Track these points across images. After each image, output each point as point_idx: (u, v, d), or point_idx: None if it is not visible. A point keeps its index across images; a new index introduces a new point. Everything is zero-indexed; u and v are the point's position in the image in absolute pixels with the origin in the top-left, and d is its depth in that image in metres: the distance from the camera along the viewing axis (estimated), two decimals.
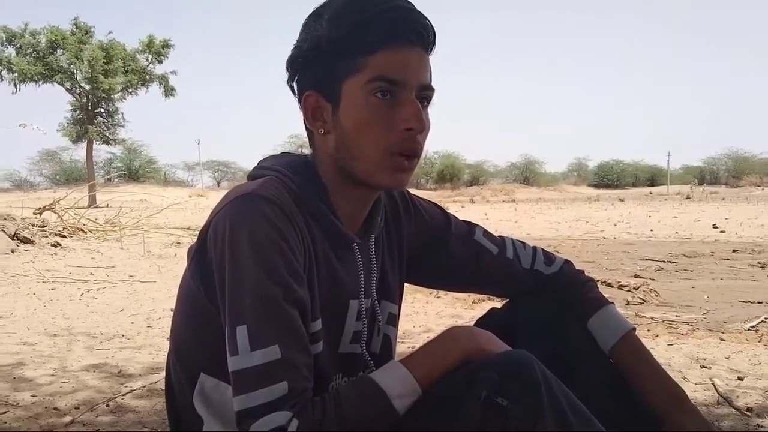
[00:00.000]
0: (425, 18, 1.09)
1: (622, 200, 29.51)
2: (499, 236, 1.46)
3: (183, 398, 1.18)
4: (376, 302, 1.26)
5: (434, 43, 1.11)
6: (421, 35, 1.08)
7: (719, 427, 2.02)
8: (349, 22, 1.06)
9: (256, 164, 1.21)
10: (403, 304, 1.38)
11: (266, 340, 0.96)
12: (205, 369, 1.13)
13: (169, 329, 1.25)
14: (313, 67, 1.11)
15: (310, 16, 1.12)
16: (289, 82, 1.16)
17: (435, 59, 1.12)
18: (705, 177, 60.84)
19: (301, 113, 1.15)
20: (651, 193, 44.62)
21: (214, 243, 1.03)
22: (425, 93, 1.10)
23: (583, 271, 1.47)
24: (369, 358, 1.24)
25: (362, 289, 1.21)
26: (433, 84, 1.12)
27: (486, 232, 1.44)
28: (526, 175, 60.63)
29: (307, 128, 1.16)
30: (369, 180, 1.11)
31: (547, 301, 1.38)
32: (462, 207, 23.41)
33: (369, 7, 1.06)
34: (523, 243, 1.47)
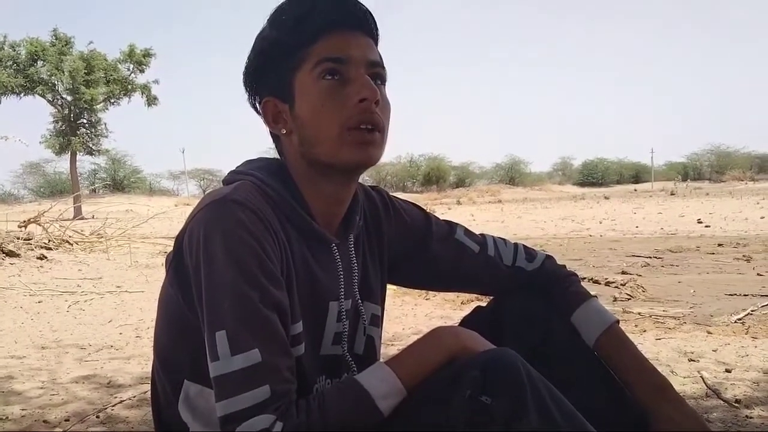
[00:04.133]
0: (362, 5, 1.12)
1: (607, 198, 29.73)
2: (480, 234, 1.46)
3: (168, 406, 1.17)
4: (360, 302, 1.26)
5: (376, 30, 1.14)
6: (359, 19, 1.11)
7: (708, 419, 2.04)
8: (287, 19, 1.10)
9: (230, 170, 1.21)
10: (391, 307, 1.38)
11: (246, 344, 0.96)
12: (189, 376, 1.12)
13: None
14: (265, 73, 1.14)
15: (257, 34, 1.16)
16: (250, 101, 1.18)
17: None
18: (689, 173, 61.27)
19: (264, 124, 1.17)
20: (636, 190, 44.97)
21: (189, 249, 1.03)
22: (376, 70, 1.12)
23: (564, 266, 1.48)
24: (351, 360, 1.24)
25: (342, 290, 1.20)
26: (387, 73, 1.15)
27: (467, 231, 1.44)
28: (512, 175, 60.59)
29: (272, 135, 1.18)
30: (336, 161, 1.10)
31: (531, 297, 1.39)
32: (449, 209, 23.43)
33: (305, 1, 1.10)
34: (504, 240, 1.47)
